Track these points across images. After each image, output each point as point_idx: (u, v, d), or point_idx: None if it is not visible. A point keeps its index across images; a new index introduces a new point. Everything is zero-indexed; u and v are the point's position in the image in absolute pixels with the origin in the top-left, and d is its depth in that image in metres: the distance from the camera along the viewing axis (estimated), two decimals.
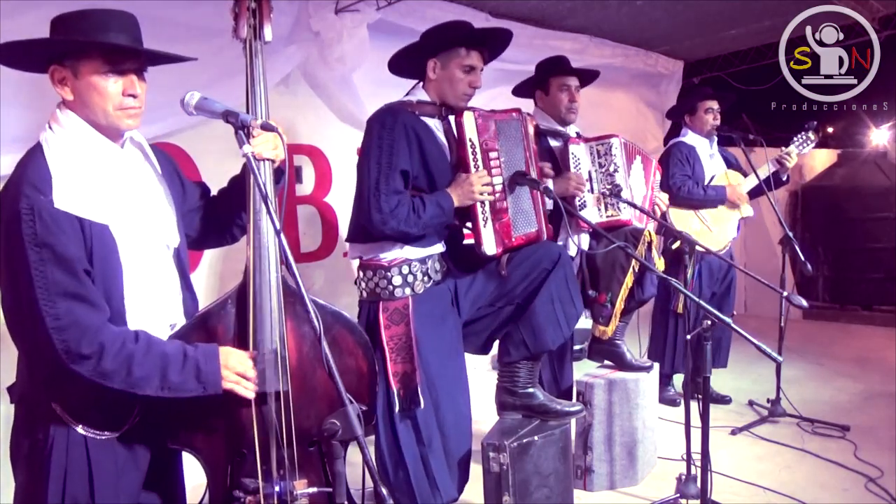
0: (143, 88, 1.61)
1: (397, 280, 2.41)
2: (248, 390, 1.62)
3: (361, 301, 2.53)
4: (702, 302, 2.38)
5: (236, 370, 1.61)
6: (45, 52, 1.55)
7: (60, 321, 1.46)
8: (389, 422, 2.41)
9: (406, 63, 2.55)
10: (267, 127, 1.65)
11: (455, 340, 2.55)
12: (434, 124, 2.49)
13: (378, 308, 2.43)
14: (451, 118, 2.49)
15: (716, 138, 4.16)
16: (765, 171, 4.05)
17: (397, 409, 2.38)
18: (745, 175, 4.15)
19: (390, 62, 2.57)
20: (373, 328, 2.42)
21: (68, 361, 1.47)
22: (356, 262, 2.55)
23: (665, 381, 4.14)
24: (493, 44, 2.57)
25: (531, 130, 2.73)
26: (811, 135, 4.05)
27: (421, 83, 2.53)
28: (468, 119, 2.43)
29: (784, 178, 4.14)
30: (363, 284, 2.49)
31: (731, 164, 4.26)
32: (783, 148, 4.08)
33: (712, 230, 4.03)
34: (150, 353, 1.54)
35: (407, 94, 2.54)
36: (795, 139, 4.07)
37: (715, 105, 4.10)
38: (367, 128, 2.42)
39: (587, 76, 3.37)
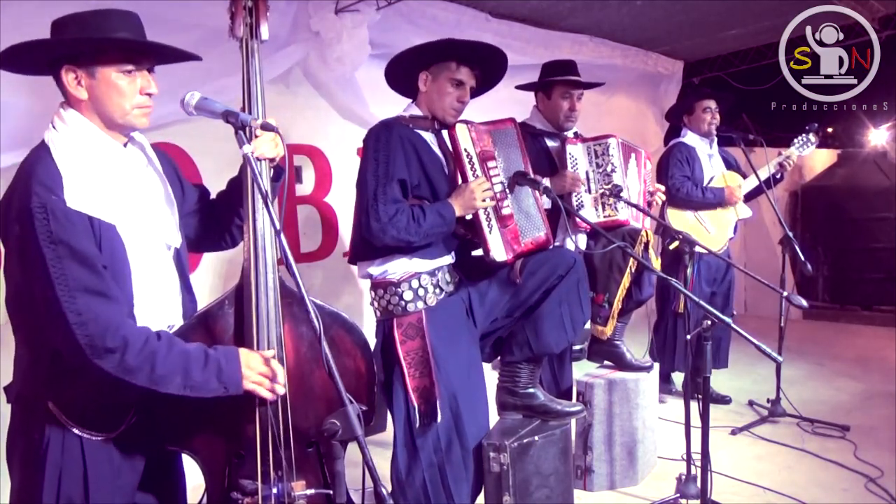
0: (156, 87, 1.62)
1: (408, 295, 2.39)
2: (269, 392, 1.62)
3: (378, 321, 2.51)
4: (701, 302, 2.38)
5: (258, 371, 1.61)
6: (64, 50, 1.54)
7: (82, 316, 1.45)
8: (409, 436, 2.38)
9: (401, 75, 2.54)
10: (267, 127, 1.65)
11: (473, 351, 2.53)
12: (429, 137, 2.48)
13: (392, 324, 2.41)
14: (445, 132, 2.48)
15: (715, 139, 4.16)
16: (765, 172, 4.05)
17: (418, 424, 2.36)
18: (745, 176, 4.16)
19: (387, 73, 2.56)
20: (389, 345, 2.40)
21: (92, 356, 1.46)
22: (367, 283, 2.53)
23: (664, 378, 4.14)
24: (486, 64, 2.55)
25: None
26: (812, 136, 4.06)
27: (413, 101, 2.53)
28: (461, 131, 2.43)
29: (779, 176, 4.15)
30: (376, 304, 2.48)
31: (730, 164, 4.26)
32: (781, 151, 4.09)
33: (710, 231, 4.03)
34: (173, 351, 1.54)
35: (404, 112, 2.53)
36: (796, 141, 4.08)
37: (713, 105, 4.10)
38: (364, 144, 2.42)
39: (591, 86, 3.34)
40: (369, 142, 2.39)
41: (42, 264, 1.44)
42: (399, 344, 2.38)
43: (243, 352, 1.62)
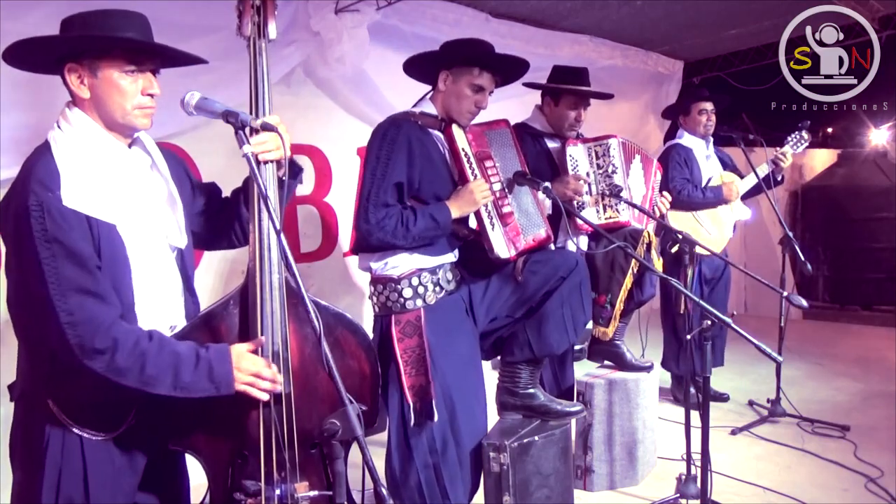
0: (158, 88, 1.62)
1: (408, 292, 2.39)
2: (261, 392, 1.62)
3: (375, 316, 2.51)
4: (701, 302, 2.38)
5: (250, 371, 1.60)
6: (67, 48, 1.55)
7: (73, 316, 1.46)
8: (403, 434, 2.38)
9: (421, 68, 2.54)
10: (267, 127, 1.65)
11: (471, 350, 2.52)
12: (437, 136, 2.48)
13: (390, 321, 2.40)
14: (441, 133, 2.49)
15: (712, 139, 4.17)
16: (763, 170, 4.06)
17: (412, 423, 2.36)
18: (742, 176, 4.17)
19: (406, 63, 2.55)
20: (386, 341, 2.40)
21: (82, 357, 1.47)
22: (367, 283, 2.54)
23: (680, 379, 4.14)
24: (507, 72, 2.56)
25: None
26: (804, 134, 4.08)
27: (430, 94, 2.53)
28: (457, 131, 2.43)
29: (779, 178, 4.16)
30: (375, 299, 2.48)
31: (726, 165, 4.26)
32: (777, 148, 4.10)
33: (710, 233, 4.03)
34: (163, 351, 1.54)
35: (414, 105, 2.53)
36: (789, 139, 4.10)
37: (709, 106, 4.10)
38: (371, 138, 2.42)
39: (599, 96, 3.30)
40: (376, 137, 2.39)
41: (36, 262, 1.45)
42: (396, 341, 2.38)
43: (235, 351, 1.61)
